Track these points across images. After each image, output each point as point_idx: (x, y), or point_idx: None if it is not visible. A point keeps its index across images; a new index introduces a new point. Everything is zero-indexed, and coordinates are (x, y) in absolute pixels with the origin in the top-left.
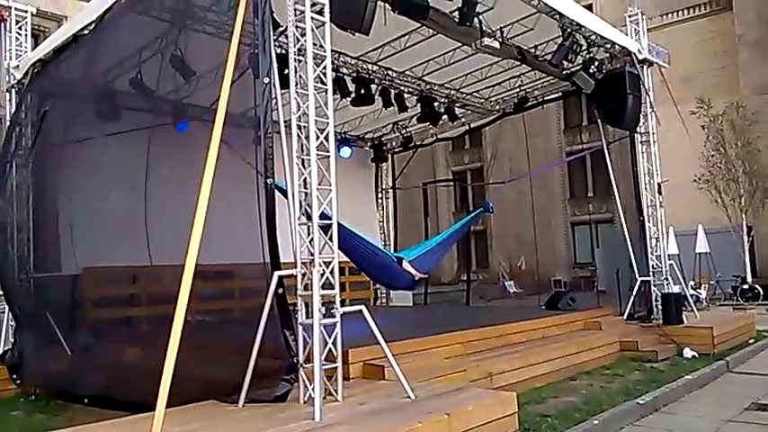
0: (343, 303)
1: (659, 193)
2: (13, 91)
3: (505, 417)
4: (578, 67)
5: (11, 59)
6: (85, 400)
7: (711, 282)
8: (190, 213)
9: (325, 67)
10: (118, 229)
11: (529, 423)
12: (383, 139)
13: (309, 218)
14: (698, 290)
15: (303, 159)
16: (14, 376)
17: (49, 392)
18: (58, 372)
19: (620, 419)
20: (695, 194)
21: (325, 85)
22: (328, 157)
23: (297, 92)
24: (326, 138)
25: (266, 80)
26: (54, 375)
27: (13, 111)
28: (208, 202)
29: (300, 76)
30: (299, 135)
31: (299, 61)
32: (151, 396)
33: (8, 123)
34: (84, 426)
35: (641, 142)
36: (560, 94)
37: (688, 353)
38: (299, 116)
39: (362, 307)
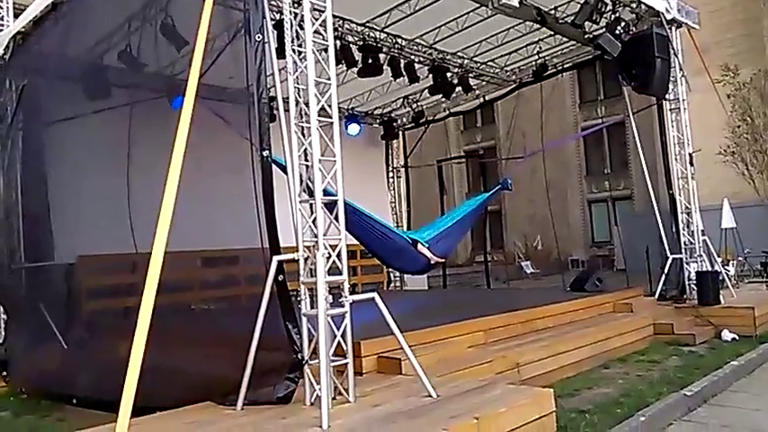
0: (353, 290)
1: (691, 164)
2: None
3: (542, 417)
4: (602, 30)
5: None
6: (74, 401)
7: (739, 258)
8: (192, 196)
9: (324, 21)
10: (115, 214)
11: (564, 420)
12: (393, 114)
13: (311, 194)
14: (726, 267)
15: (303, 127)
16: (4, 373)
17: (38, 391)
18: (48, 369)
19: (666, 414)
20: (717, 168)
21: (326, 40)
22: (331, 124)
23: (293, 49)
24: (329, 102)
25: (258, 37)
26: (43, 373)
27: None
28: (202, 184)
29: (297, 31)
30: (297, 100)
31: (296, 15)
32: (146, 397)
33: None
34: None
35: (670, 110)
36: (581, 60)
37: (727, 335)
38: (297, 78)
39: (375, 294)
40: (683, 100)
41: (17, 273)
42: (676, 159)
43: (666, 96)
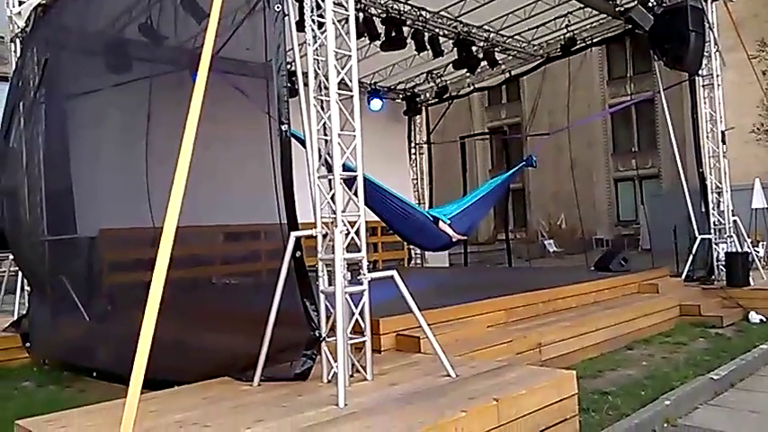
0: (374, 266)
1: (723, 142)
2: (18, 41)
3: (563, 400)
4: (634, 3)
5: (12, 6)
6: (94, 374)
7: None
8: (213, 171)
9: None
10: (136, 188)
11: (587, 402)
12: (416, 90)
13: (330, 169)
14: (756, 248)
15: (322, 101)
16: (27, 344)
17: (60, 363)
18: (70, 341)
19: (692, 398)
20: (748, 147)
21: (347, 11)
22: (351, 97)
23: (313, 19)
24: (349, 75)
25: (278, 8)
26: (65, 345)
27: (17, 62)
28: (222, 158)
29: (317, 1)
30: (316, 72)
31: None
32: (163, 371)
33: (11, 76)
34: (65, 411)
35: (703, 86)
36: (612, 35)
37: (755, 317)
38: (316, 49)
39: (394, 272)
40: (717, 76)
41: (40, 246)
42: (708, 137)
43: (699, 72)
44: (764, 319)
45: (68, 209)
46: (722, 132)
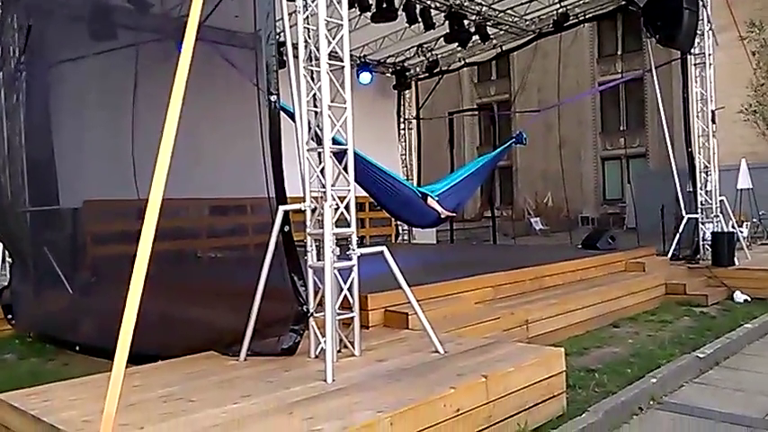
0: (361, 242)
1: (713, 121)
2: None
3: (551, 377)
4: None
5: None
6: (77, 348)
7: (753, 220)
8: (200, 143)
9: None
10: (121, 159)
11: (573, 379)
12: (406, 64)
13: (320, 142)
14: (740, 228)
15: (312, 71)
16: (9, 316)
17: (43, 336)
18: (53, 314)
19: (678, 376)
20: (736, 127)
21: None
22: (342, 68)
23: None
24: (340, 45)
25: None
26: (49, 317)
27: None
28: (209, 130)
29: None
30: (306, 42)
31: None
32: (151, 346)
33: None
34: (49, 384)
35: (695, 65)
36: (604, 11)
37: (739, 296)
38: (307, 18)
39: (384, 248)
40: (710, 55)
41: (22, 216)
42: (698, 117)
43: (692, 51)
44: (749, 299)
45: (51, 180)
46: (712, 112)
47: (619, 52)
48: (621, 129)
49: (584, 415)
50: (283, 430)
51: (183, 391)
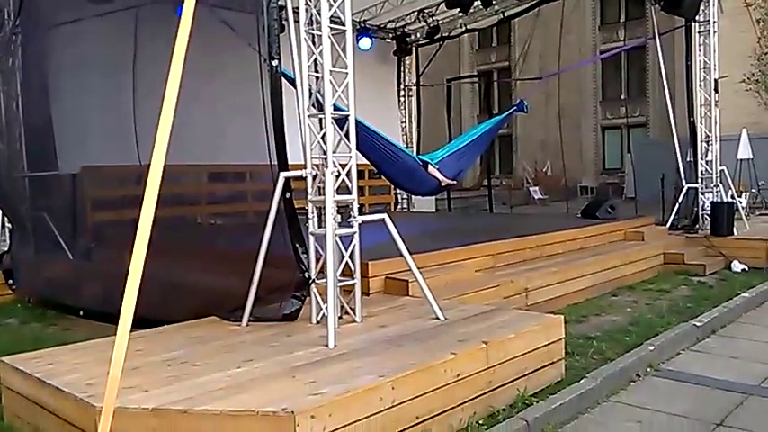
0: (361, 210)
1: (716, 90)
2: None
3: (551, 344)
4: None
5: None
6: (80, 313)
7: (752, 190)
8: (198, 109)
9: None
10: (121, 125)
11: (572, 346)
12: (407, 29)
13: (321, 108)
14: (739, 198)
15: (313, 35)
16: (10, 281)
17: (44, 301)
18: (54, 279)
19: (675, 344)
20: (737, 97)
21: None
22: (343, 33)
23: None
24: (342, 8)
25: None
26: (49, 282)
27: None
28: (209, 96)
29: None
30: (307, 5)
31: None
32: (154, 310)
33: None
34: (52, 348)
35: (699, 33)
36: None
37: (737, 266)
38: None
39: (385, 216)
40: (714, 22)
41: (20, 182)
42: (700, 86)
43: (696, 18)
44: (747, 269)
45: (49, 145)
46: (715, 81)
47: (621, 20)
48: (622, 98)
49: (582, 381)
50: (287, 393)
51: (187, 355)
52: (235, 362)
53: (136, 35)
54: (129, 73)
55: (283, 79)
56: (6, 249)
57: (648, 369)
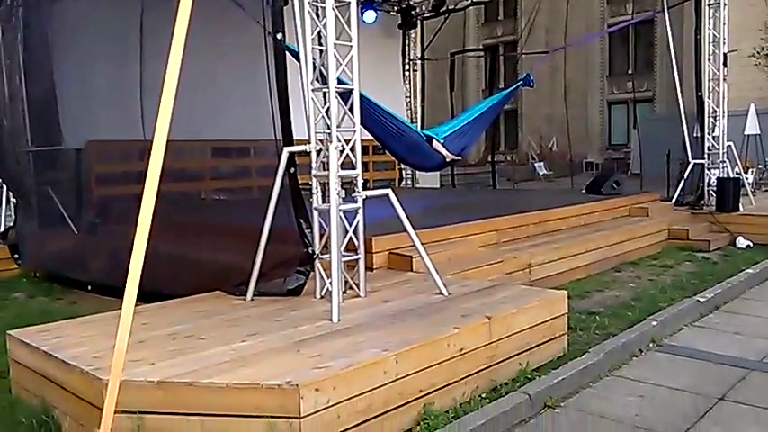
0: (365, 185)
1: (724, 65)
2: None
3: (553, 319)
4: None
5: None
6: (89, 287)
7: (759, 166)
8: (205, 82)
9: None
10: (123, 98)
11: (574, 321)
12: (412, 2)
13: (325, 81)
14: (745, 174)
15: (317, 7)
16: (16, 256)
17: (50, 276)
18: (60, 254)
19: (678, 319)
20: (746, 72)
21: None
22: (348, 5)
23: None
24: None
25: None
26: (55, 257)
27: None
28: (213, 71)
29: None
30: None
31: None
32: (161, 284)
33: None
34: (59, 322)
35: (709, 5)
36: None
37: (741, 242)
38: None
39: (389, 191)
40: None
41: (24, 157)
42: (709, 60)
43: None
44: (751, 245)
45: (53, 119)
46: (724, 55)
47: None
48: (629, 72)
49: (584, 356)
50: (291, 367)
51: (192, 328)
52: (239, 336)
53: (143, 7)
54: (135, 46)
55: (287, 53)
56: (12, 224)
57: (651, 344)
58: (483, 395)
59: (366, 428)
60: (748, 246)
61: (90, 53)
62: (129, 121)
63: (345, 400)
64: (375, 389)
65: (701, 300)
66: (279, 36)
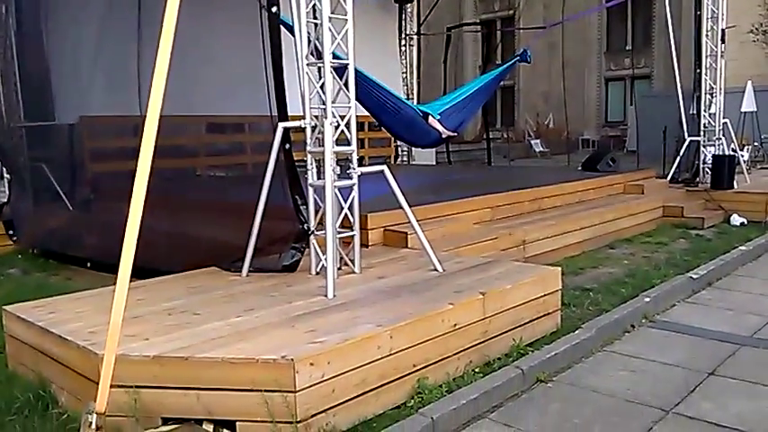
0: (361, 162)
1: (722, 41)
2: None
3: (547, 295)
4: None
5: None
6: (87, 264)
7: (755, 143)
8: (199, 57)
9: None
10: (117, 73)
11: (568, 297)
12: None
13: (320, 56)
14: (741, 152)
15: None
16: (10, 232)
17: (47, 252)
18: (55, 230)
19: (671, 295)
20: (744, 49)
21: None
22: None
23: None
24: None
25: None
26: (50, 233)
27: None
28: (207, 45)
29: None
30: None
31: None
32: (156, 260)
33: None
34: (54, 297)
35: None
36: None
37: (736, 219)
38: None
39: (384, 167)
40: None
41: (17, 132)
42: (707, 36)
43: None
44: (746, 222)
45: (46, 95)
46: (722, 31)
47: None
48: (627, 48)
49: (577, 331)
50: (286, 342)
51: (187, 304)
52: (235, 311)
53: None
54: (131, 22)
55: (282, 27)
56: (6, 200)
57: (643, 320)
58: (476, 370)
59: (361, 402)
60: (743, 223)
61: (84, 27)
62: (124, 97)
63: (340, 374)
64: (369, 363)
65: (694, 276)
66: (274, 9)
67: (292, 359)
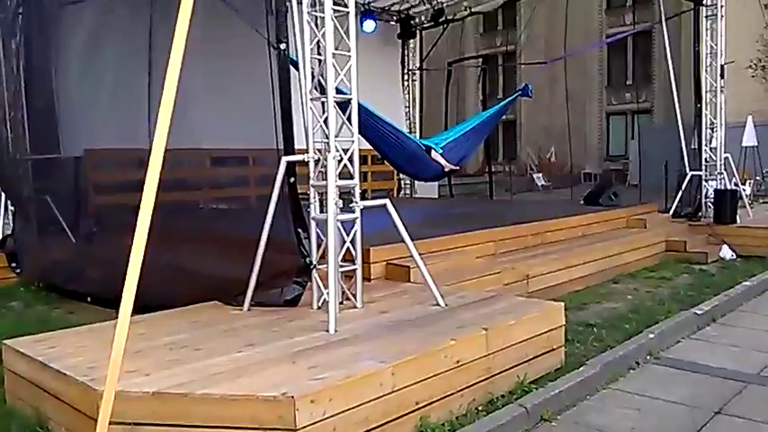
0: (363, 195)
1: (722, 76)
2: None
3: (551, 331)
4: None
5: None
6: (88, 299)
7: (756, 178)
8: (204, 92)
9: None
10: (123, 107)
11: (572, 333)
12: (411, 12)
13: (323, 91)
14: (743, 186)
15: (316, 17)
16: (14, 264)
17: (48, 284)
18: (58, 263)
19: (675, 332)
20: (743, 83)
21: None
22: (347, 15)
23: None
24: None
25: None
26: (53, 266)
27: None
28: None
29: None
30: None
31: None
32: (158, 296)
33: None
34: (55, 332)
35: (707, 17)
36: None
37: (725, 251)
38: None
39: (387, 201)
40: (722, 6)
41: (23, 165)
42: (706, 71)
43: (703, 2)
44: (734, 256)
45: (52, 127)
46: (721, 66)
47: (628, 3)
48: (628, 83)
49: (581, 368)
50: (287, 378)
51: (189, 339)
52: (236, 346)
53: (152, 11)
54: (141, 56)
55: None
56: (10, 233)
57: (648, 357)
58: (479, 408)
59: None
60: (732, 257)
61: (92, 60)
62: (133, 130)
63: (341, 412)
64: (371, 401)
65: (699, 312)
66: (282, 46)
67: (293, 396)
